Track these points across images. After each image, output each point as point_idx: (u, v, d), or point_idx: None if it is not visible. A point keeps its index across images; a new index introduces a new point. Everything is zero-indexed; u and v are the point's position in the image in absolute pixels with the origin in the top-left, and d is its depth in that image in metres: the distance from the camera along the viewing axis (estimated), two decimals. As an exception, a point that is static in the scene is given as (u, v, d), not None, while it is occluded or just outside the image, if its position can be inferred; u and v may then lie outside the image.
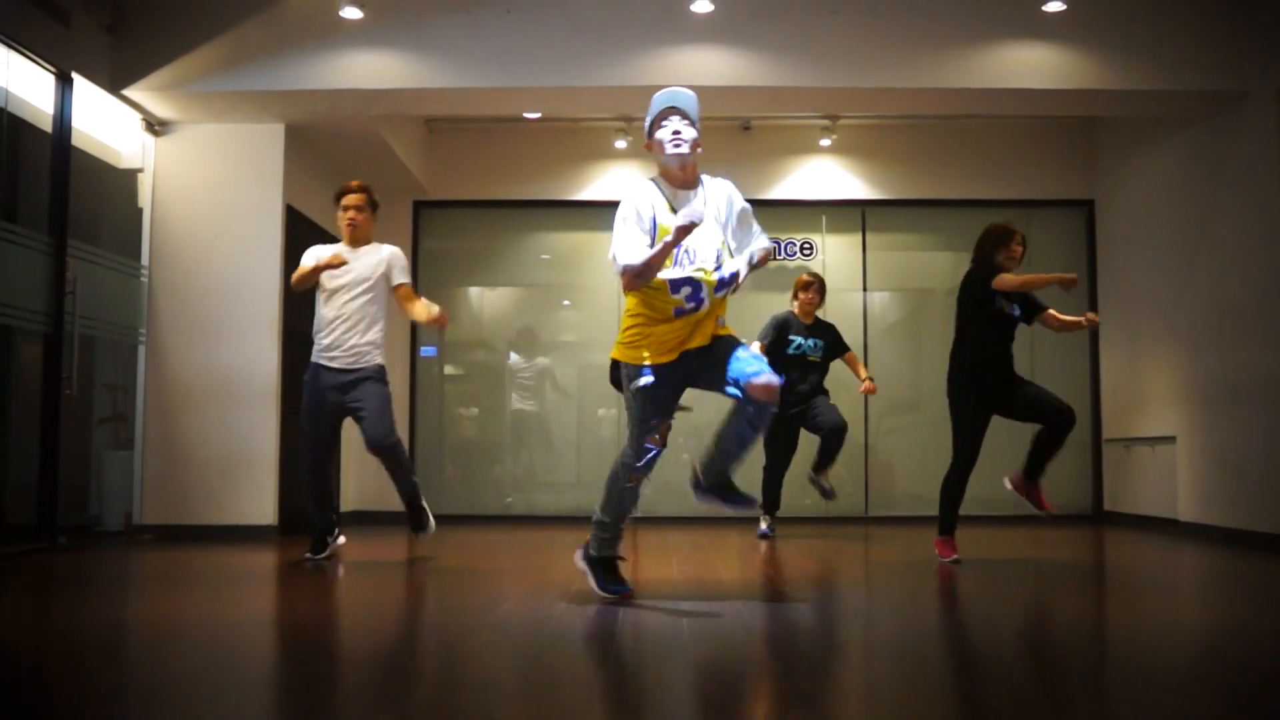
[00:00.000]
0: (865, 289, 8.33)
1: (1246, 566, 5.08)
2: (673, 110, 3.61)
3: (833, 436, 6.29)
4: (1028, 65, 6.04)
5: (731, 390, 3.54)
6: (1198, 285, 6.60)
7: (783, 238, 8.31)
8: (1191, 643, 3.20)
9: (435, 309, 4.95)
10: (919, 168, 8.24)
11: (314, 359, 4.99)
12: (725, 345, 3.61)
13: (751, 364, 3.52)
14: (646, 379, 3.54)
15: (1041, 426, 4.84)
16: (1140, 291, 7.44)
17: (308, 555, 5.05)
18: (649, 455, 3.58)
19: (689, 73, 6.01)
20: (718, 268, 3.57)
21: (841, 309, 8.27)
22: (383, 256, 5.03)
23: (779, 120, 8.14)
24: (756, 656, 2.93)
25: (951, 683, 2.63)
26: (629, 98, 6.23)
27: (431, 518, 5.18)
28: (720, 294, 3.60)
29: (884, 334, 8.39)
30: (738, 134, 8.21)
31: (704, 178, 3.73)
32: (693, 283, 3.54)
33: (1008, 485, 4.93)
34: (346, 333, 4.92)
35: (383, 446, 4.92)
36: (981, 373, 4.88)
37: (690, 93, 3.68)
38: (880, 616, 3.66)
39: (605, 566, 3.74)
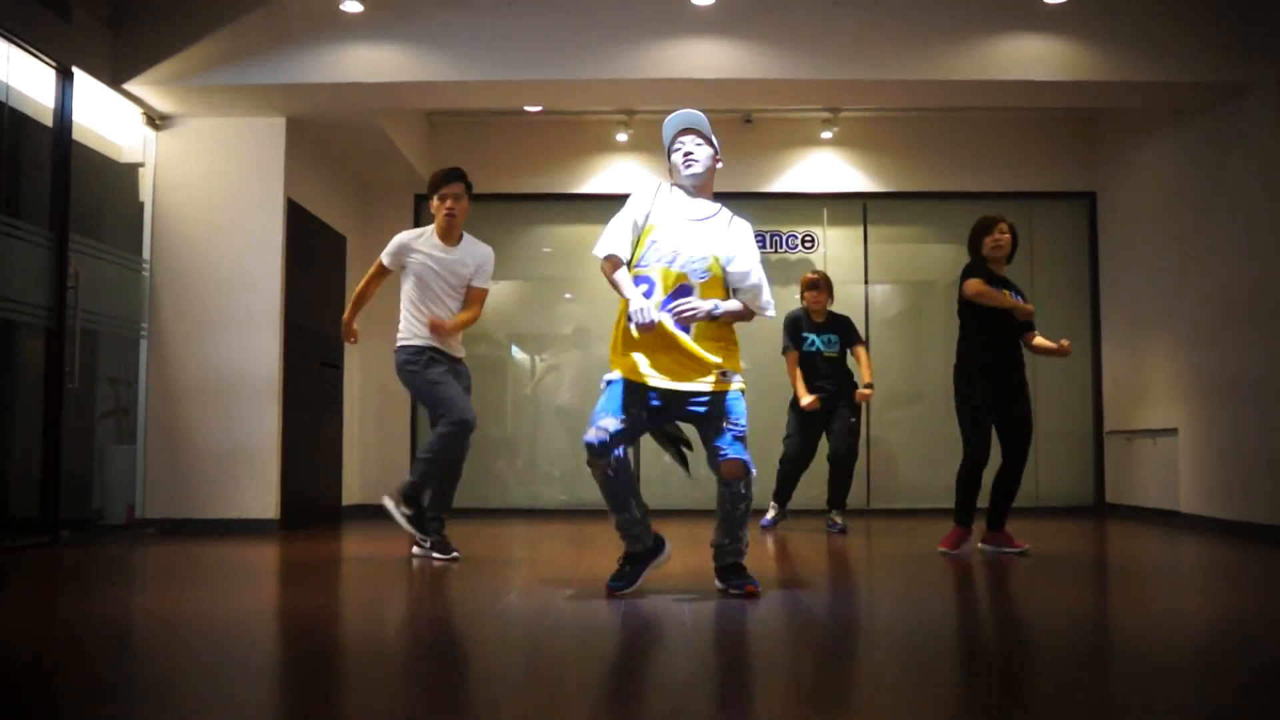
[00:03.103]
0: (867, 282, 8.33)
1: (1248, 558, 5.08)
2: (685, 131, 3.70)
3: (839, 467, 6.34)
4: (1029, 57, 6.03)
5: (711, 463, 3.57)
6: (1200, 277, 6.59)
7: (784, 231, 8.31)
8: (1193, 634, 3.20)
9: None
10: (920, 160, 8.23)
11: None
12: (718, 407, 3.54)
13: (726, 440, 3.52)
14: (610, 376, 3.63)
15: (999, 473, 4.92)
16: (1142, 283, 7.43)
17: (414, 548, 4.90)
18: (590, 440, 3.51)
19: (690, 65, 6.01)
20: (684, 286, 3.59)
21: (843, 302, 8.24)
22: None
23: (780, 113, 8.13)
24: (759, 649, 2.94)
25: (955, 674, 2.63)
26: (630, 91, 6.23)
27: (418, 547, 4.77)
28: (669, 305, 3.55)
29: (886, 326, 8.38)
30: (739, 127, 8.20)
31: (725, 216, 3.70)
32: (649, 280, 3.65)
33: (980, 548, 4.97)
34: None
35: None
36: (981, 364, 4.89)
37: (697, 113, 3.73)
38: (883, 609, 3.66)
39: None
